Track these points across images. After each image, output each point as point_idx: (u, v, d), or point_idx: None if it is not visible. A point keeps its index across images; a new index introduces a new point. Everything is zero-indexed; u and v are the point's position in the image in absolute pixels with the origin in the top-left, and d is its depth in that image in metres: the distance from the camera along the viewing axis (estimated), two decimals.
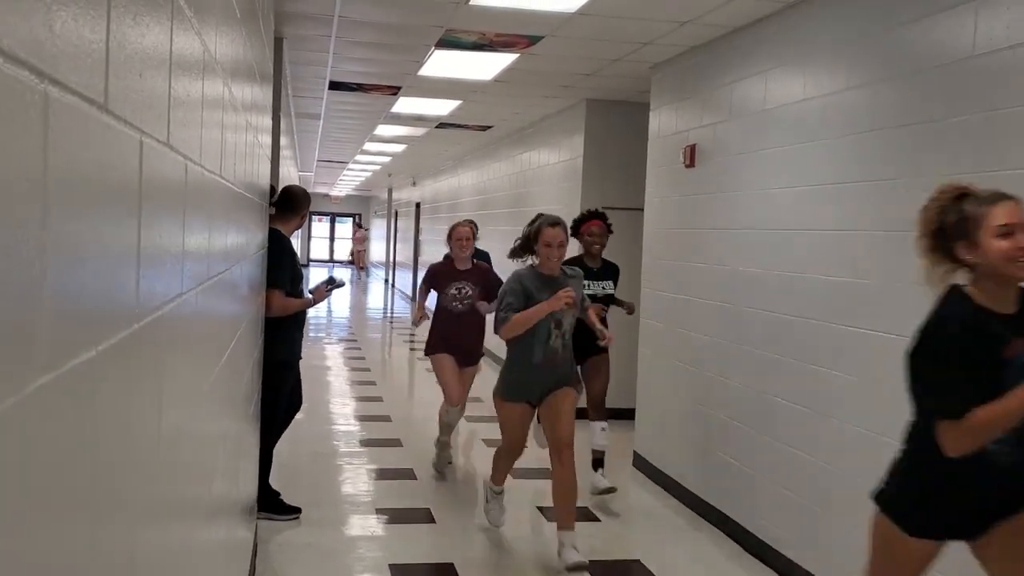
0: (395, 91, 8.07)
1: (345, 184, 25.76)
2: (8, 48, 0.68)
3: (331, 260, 36.58)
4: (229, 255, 2.64)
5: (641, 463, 6.36)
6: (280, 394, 5.00)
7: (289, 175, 11.36)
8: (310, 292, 5.26)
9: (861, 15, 4.01)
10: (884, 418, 3.73)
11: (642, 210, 6.69)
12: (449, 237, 6.33)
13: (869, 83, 3.92)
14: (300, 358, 5.25)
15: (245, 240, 3.29)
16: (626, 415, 7.36)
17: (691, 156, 5.61)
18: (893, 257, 3.70)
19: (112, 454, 1.11)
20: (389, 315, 18.05)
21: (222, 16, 2.19)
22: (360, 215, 34.85)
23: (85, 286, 0.95)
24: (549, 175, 8.97)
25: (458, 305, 6.15)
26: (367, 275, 29.77)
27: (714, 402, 5.26)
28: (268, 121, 4.84)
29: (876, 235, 3.83)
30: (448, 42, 5.94)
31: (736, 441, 4.98)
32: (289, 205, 5.11)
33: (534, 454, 6.61)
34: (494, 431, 7.35)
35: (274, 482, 5.08)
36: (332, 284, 5.34)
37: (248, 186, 3.34)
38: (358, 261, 30.98)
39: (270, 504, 4.95)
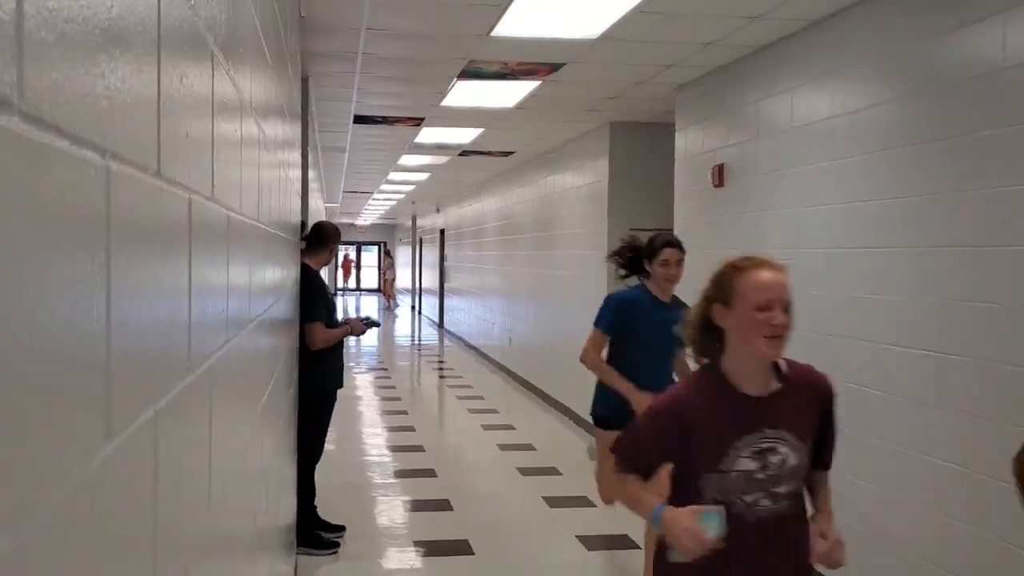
0: (418, 122, 8.14)
1: (370, 213, 25.94)
2: (75, 132, 0.70)
3: (358, 288, 36.76)
4: (267, 295, 2.67)
5: None
6: (320, 425, 5.08)
7: (317, 207, 11.48)
8: (345, 322, 5.31)
9: (887, 30, 4.00)
10: (916, 435, 3.69)
11: (670, 231, 6.67)
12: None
13: (897, 98, 3.90)
14: (342, 386, 5.30)
15: (280, 278, 3.33)
16: None
17: (719, 176, 5.60)
18: (925, 274, 3.67)
19: (169, 501, 1.13)
20: (417, 343, 18.09)
21: (255, 64, 2.23)
22: (385, 243, 35.02)
23: (144, 343, 0.97)
24: (574, 198, 8.99)
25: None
26: (395, 305, 29.01)
27: None
28: (297, 157, 4.91)
29: (907, 251, 3.79)
30: (470, 73, 5.99)
31: None
32: (319, 240, 5.18)
33: (573, 481, 6.58)
34: (526, 459, 7.33)
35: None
36: (370, 324, 5.45)
37: (281, 225, 3.38)
38: (386, 291, 30.07)
39: (309, 539, 4.98)
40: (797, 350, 4.65)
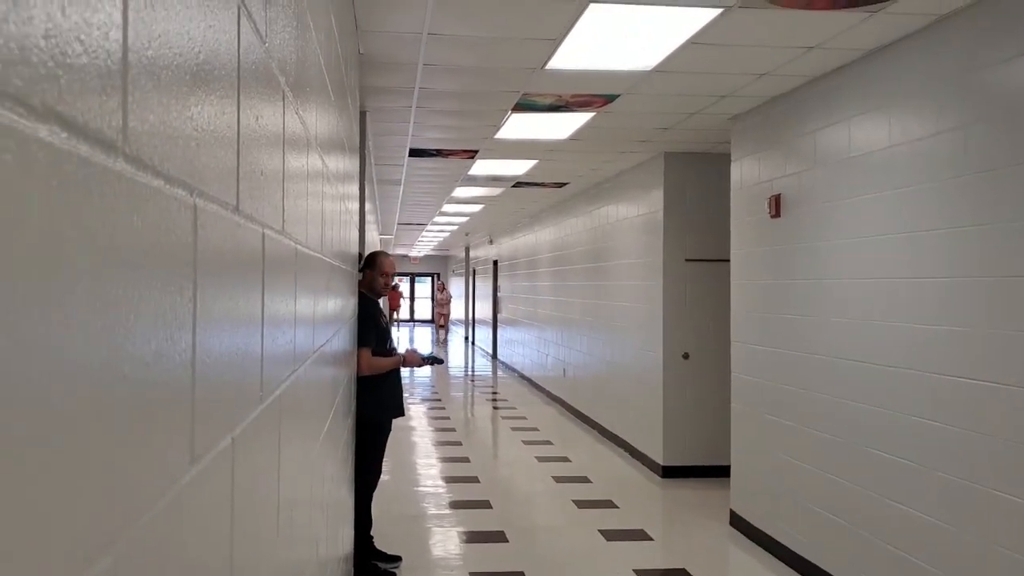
0: (472, 154, 8.23)
1: (424, 244, 26.18)
2: (168, 171, 0.74)
3: (411, 319, 37.03)
4: (329, 326, 2.72)
5: (738, 522, 6.21)
6: (375, 453, 5.12)
7: (372, 239, 11.64)
8: (402, 354, 5.34)
9: (946, 58, 3.96)
10: (992, 470, 3.59)
11: (726, 261, 6.64)
12: None
13: (961, 126, 3.85)
14: (402, 415, 5.33)
15: (341, 309, 3.39)
16: (721, 472, 7.23)
17: (776, 206, 5.57)
18: (993, 304, 3.59)
19: (244, 527, 1.16)
20: (471, 373, 18.13)
21: (319, 101, 2.29)
22: (439, 274, 35.28)
23: (223, 373, 1.01)
24: (628, 228, 8.99)
25: None
26: (446, 334, 28.83)
27: (811, 456, 5.14)
28: (356, 189, 5.00)
29: (973, 281, 3.73)
30: (524, 105, 6.05)
31: (837, 496, 4.84)
32: (367, 267, 5.29)
33: (630, 514, 6.52)
34: (582, 491, 7.29)
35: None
36: (432, 361, 5.46)
37: (341, 256, 3.44)
38: (439, 322, 29.46)
39: (366, 569, 5.00)
40: (859, 383, 4.59)
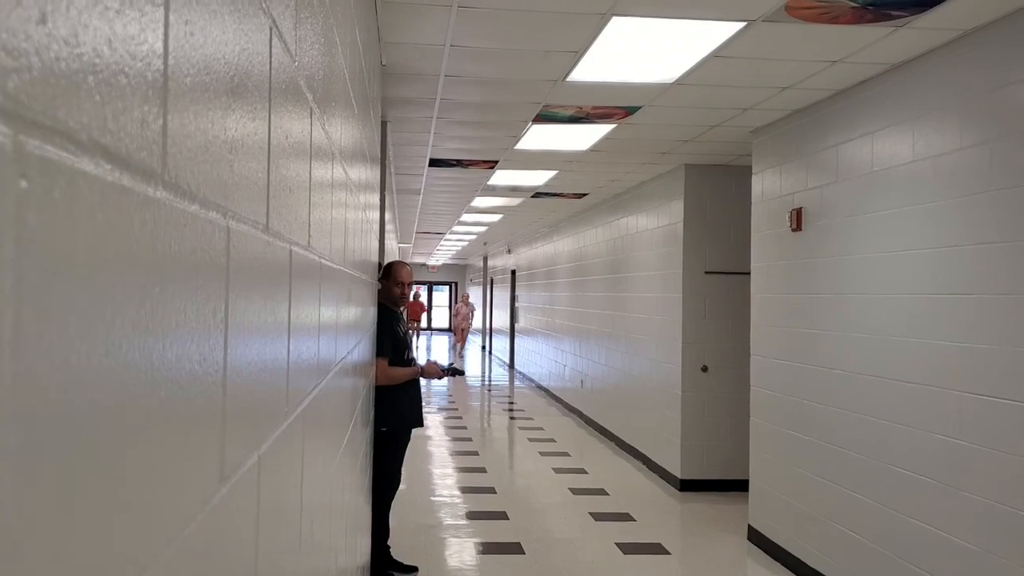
0: (492, 165, 8.25)
1: (442, 253, 26.24)
2: (204, 195, 0.75)
3: (429, 328, 37.09)
4: (351, 338, 2.73)
5: (756, 537, 6.17)
6: (393, 463, 5.12)
7: (391, 248, 11.68)
8: (421, 365, 5.34)
9: (971, 73, 3.94)
10: (1020, 491, 3.55)
11: (746, 274, 6.61)
12: None
13: (984, 142, 3.83)
14: (421, 425, 5.32)
15: (361, 321, 3.40)
16: (739, 486, 7.20)
17: (797, 220, 5.55)
18: (1019, 321, 3.56)
19: (269, 541, 1.17)
20: (487, 383, 18.12)
21: (344, 115, 2.31)
22: (456, 283, 35.34)
23: (252, 389, 1.01)
24: (648, 240, 8.97)
25: None
26: (462, 347, 26.28)
27: (832, 472, 5.10)
28: (376, 199, 5.02)
29: (998, 298, 3.70)
30: (545, 116, 6.06)
31: (858, 514, 4.80)
32: (386, 277, 5.30)
33: (647, 527, 6.49)
34: (599, 504, 7.27)
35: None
36: (452, 372, 5.45)
37: (361, 266, 3.46)
38: (458, 334, 27.06)
39: None
40: (881, 400, 4.56)
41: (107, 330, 0.52)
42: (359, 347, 3.25)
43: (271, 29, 1.09)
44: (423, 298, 34.94)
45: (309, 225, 1.52)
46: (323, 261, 1.77)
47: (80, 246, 0.48)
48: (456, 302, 29.32)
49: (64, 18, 0.45)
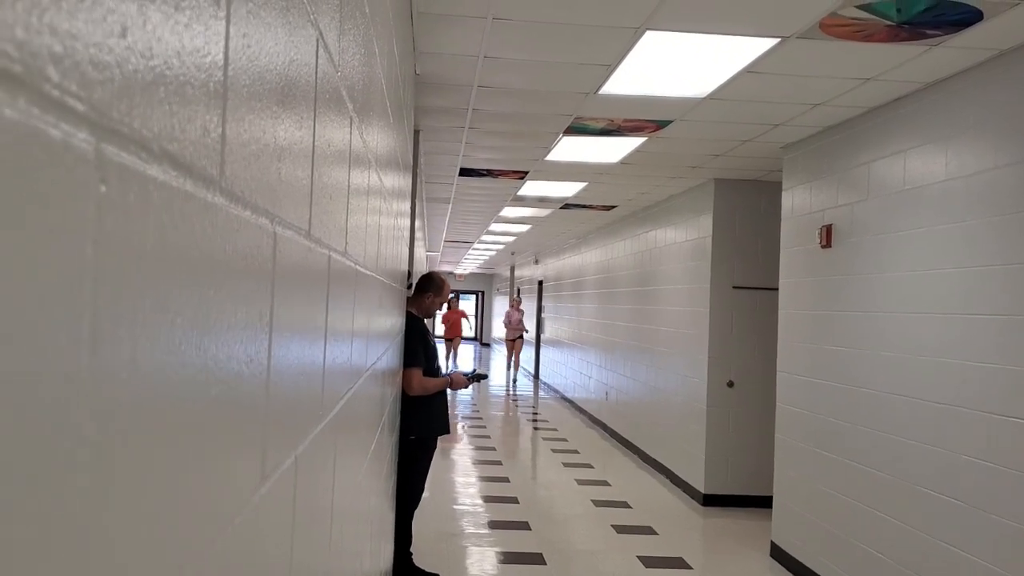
0: (522, 175, 8.28)
1: (470, 262, 26.31)
2: (256, 202, 0.78)
3: (477, 338, 37.13)
4: (381, 345, 2.76)
5: (779, 554, 6.13)
6: (419, 470, 5.14)
7: (419, 256, 11.75)
8: (449, 376, 5.35)
9: (1006, 93, 3.91)
10: None
11: (774, 289, 6.59)
12: None
13: (1018, 162, 3.80)
14: (448, 432, 5.34)
15: (390, 328, 3.43)
16: (762, 503, 7.15)
17: (827, 236, 5.52)
18: None
19: (302, 542, 1.19)
20: (512, 393, 18.13)
21: (380, 124, 2.34)
22: (483, 292, 35.40)
23: (291, 391, 1.04)
24: (676, 254, 8.96)
25: None
26: (516, 369, 20.15)
27: (857, 491, 5.06)
28: (407, 207, 5.07)
29: None
30: (577, 129, 6.08)
31: (883, 534, 4.76)
32: (423, 289, 5.31)
33: (669, 541, 6.46)
34: (621, 516, 7.25)
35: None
36: (476, 378, 5.47)
37: (392, 274, 3.49)
38: (512, 353, 20.03)
39: None
40: (907, 420, 4.52)
41: (169, 329, 0.55)
42: (387, 354, 3.28)
43: (318, 40, 1.12)
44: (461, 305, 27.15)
45: (346, 232, 1.55)
46: (358, 268, 1.80)
47: (148, 249, 0.51)
48: (507, 307, 21.07)
49: (141, 32, 0.48)
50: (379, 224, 2.45)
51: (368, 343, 2.25)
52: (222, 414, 0.69)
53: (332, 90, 1.28)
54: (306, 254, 1.09)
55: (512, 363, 19.91)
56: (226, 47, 0.66)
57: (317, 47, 1.12)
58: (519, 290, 19.35)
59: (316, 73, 1.12)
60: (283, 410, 0.98)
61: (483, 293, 35.58)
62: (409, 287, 5.30)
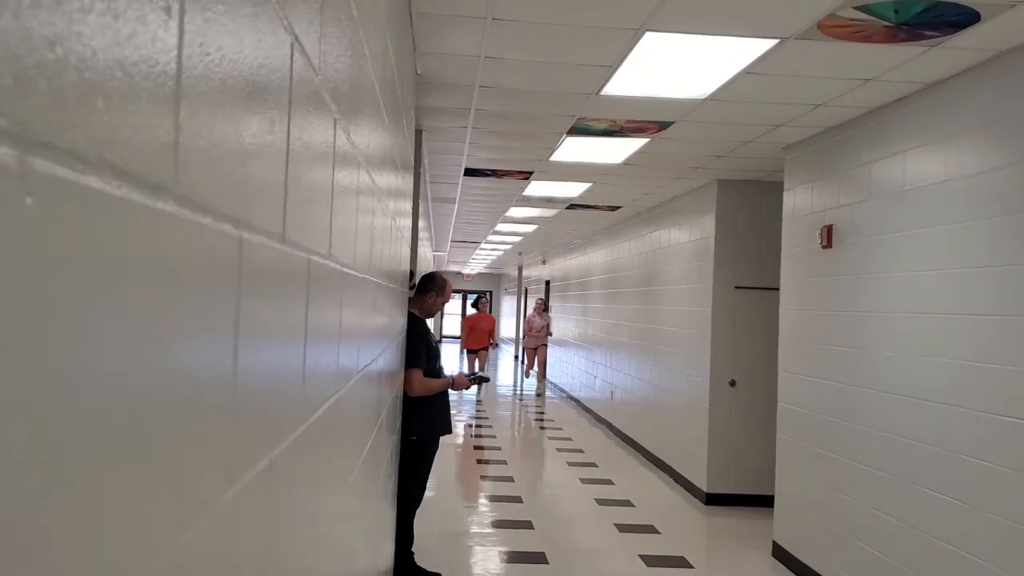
0: (527, 176, 8.29)
1: (477, 263, 26.34)
2: (217, 208, 0.78)
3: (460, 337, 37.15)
4: (375, 346, 2.77)
5: (780, 553, 6.12)
6: (421, 470, 5.15)
7: (425, 256, 11.76)
8: (451, 377, 5.36)
9: (1006, 94, 3.90)
10: None
11: (776, 289, 6.58)
12: None
13: (1017, 163, 3.79)
14: (449, 432, 5.35)
15: (388, 329, 3.44)
16: (765, 502, 7.15)
17: (828, 237, 5.52)
18: None
19: (280, 544, 1.20)
20: (518, 393, 18.13)
21: (372, 125, 2.35)
22: (491, 292, 35.42)
23: (263, 395, 1.05)
24: (680, 254, 8.96)
25: None
26: (544, 383, 17.30)
27: (858, 491, 5.06)
28: (408, 207, 5.07)
29: None
30: (579, 129, 6.09)
31: (883, 533, 4.75)
32: (424, 289, 5.32)
33: (672, 540, 6.46)
34: (624, 515, 7.25)
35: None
36: (478, 380, 5.49)
37: (390, 275, 3.50)
38: (535, 364, 17.37)
39: None
40: (908, 419, 4.52)
41: (113, 337, 0.55)
42: (384, 355, 3.29)
43: (292, 45, 1.12)
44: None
45: (331, 234, 1.55)
46: (345, 270, 1.81)
47: (87, 259, 0.51)
48: (530, 310, 18.56)
49: (76, 43, 0.48)
50: (372, 225, 2.46)
51: (360, 345, 2.26)
52: (178, 419, 0.70)
53: (311, 93, 1.29)
54: (280, 258, 1.10)
55: (530, 372, 17.70)
56: (179, 56, 0.66)
57: (292, 51, 1.12)
58: (546, 290, 17.21)
59: (291, 77, 1.12)
60: (253, 413, 0.98)
61: (491, 293, 35.60)
62: (412, 287, 5.31)
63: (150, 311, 0.62)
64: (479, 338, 16.23)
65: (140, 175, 0.59)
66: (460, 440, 11.01)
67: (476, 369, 15.88)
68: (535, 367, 17.31)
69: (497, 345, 19.98)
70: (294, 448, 1.27)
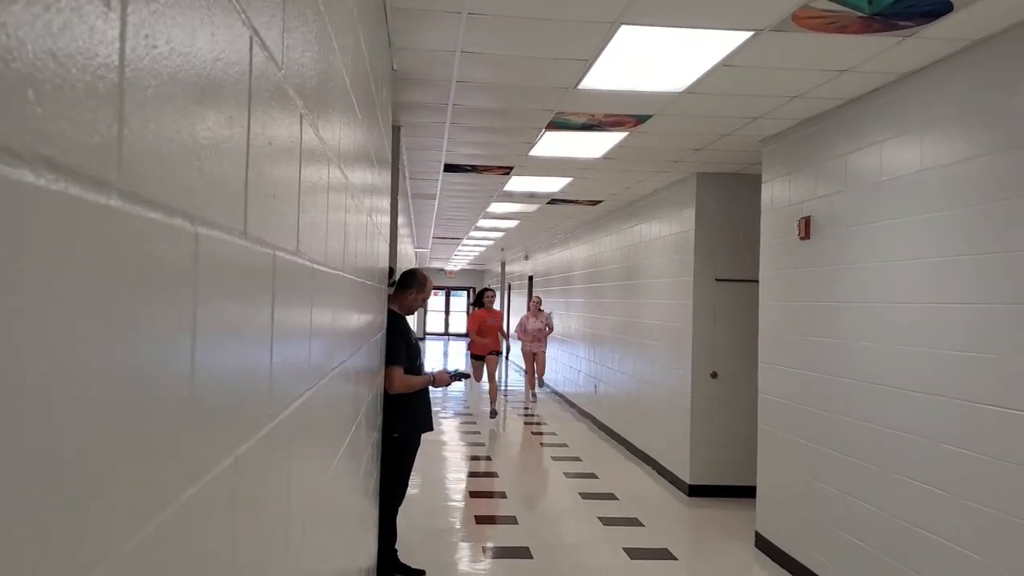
0: (507, 171, 8.27)
1: (459, 259, 26.31)
2: (168, 203, 0.77)
3: (446, 333, 37.14)
4: (351, 343, 2.75)
5: (763, 544, 6.15)
6: (403, 467, 5.14)
7: (406, 253, 11.71)
8: (432, 374, 5.34)
9: (979, 83, 3.93)
10: (1018, 500, 3.53)
11: (755, 281, 6.61)
12: None
13: (991, 152, 3.81)
14: (431, 429, 5.35)
15: (365, 326, 3.42)
16: (747, 493, 7.18)
17: (806, 228, 5.54)
18: (1022, 331, 3.55)
19: (248, 543, 1.19)
20: (503, 388, 18.13)
21: (344, 120, 2.34)
22: (473, 288, 35.39)
23: (226, 393, 1.04)
24: (661, 247, 8.98)
25: None
26: (537, 390, 15.59)
27: (839, 480, 5.08)
28: (386, 203, 5.05)
29: (1004, 308, 3.68)
30: (558, 124, 6.08)
31: (865, 523, 4.78)
32: (404, 285, 5.30)
33: (655, 532, 6.48)
34: (608, 508, 7.27)
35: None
36: (459, 376, 5.48)
37: (367, 272, 3.48)
38: (529, 367, 14.87)
39: None
40: (887, 408, 4.54)
41: (50, 335, 0.54)
42: (362, 352, 3.28)
43: (251, 39, 1.11)
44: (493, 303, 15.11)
45: (298, 230, 1.54)
46: (316, 266, 1.80)
47: (20, 256, 0.50)
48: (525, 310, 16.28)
49: (0, 33, 0.47)
50: (346, 221, 2.45)
51: (334, 341, 2.24)
52: (133, 417, 0.69)
53: (274, 88, 1.28)
54: (242, 254, 1.09)
55: (532, 388, 15.05)
56: (121, 48, 0.65)
57: (251, 45, 1.11)
58: (528, 286, 15.00)
59: (251, 71, 1.11)
60: (214, 410, 0.97)
61: (474, 289, 35.56)
62: (391, 284, 5.29)
63: (95, 308, 0.61)
64: (488, 343, 13.26)
65: (80, 169, 0.58)
66: (445, 436, 10.99)
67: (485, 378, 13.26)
68: (536, 381, 14.75)
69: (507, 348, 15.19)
70: (262, 446, 1.26)
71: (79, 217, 0.59)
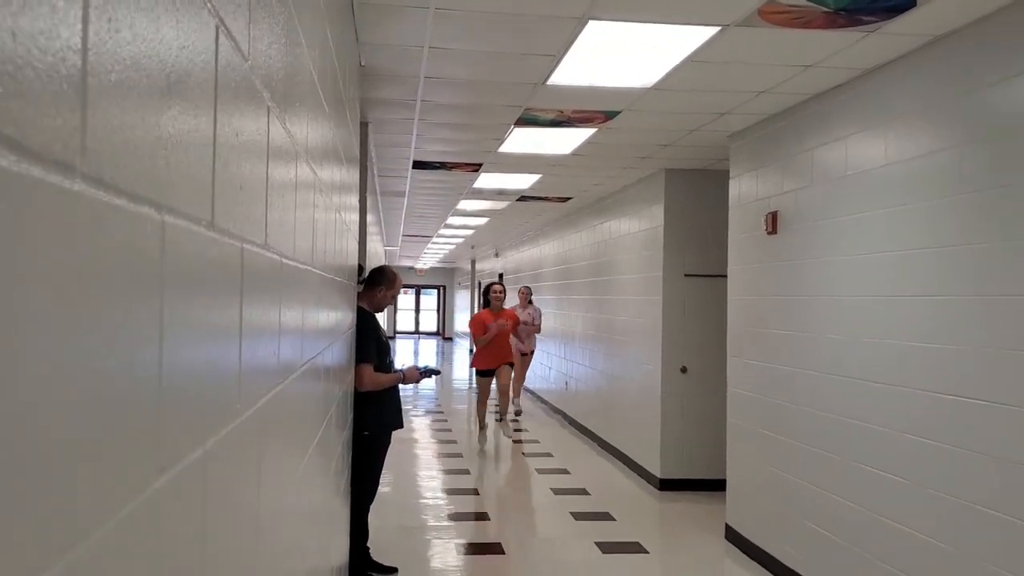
0: (476, 168, 8.27)
1: (429, 257, 26.25)
2: (133, 190, 0.77)
3: (416, 332, 37.05)
4: (320, 339, 2.74)
5: (733, 536, 6.21)
6: (374, 466, 5.12)
7: (376, 251, 11.67)
8: (402, 371, 5.32)
9: (942, 78, 3.98)
10: (988, 489, 3.59)
11: (724, 276, 6.66)
12: None
13: (954, 146, 3.87)
14: (401, 427, 5.33)
15: (335, 323, 3.41)
16: (718, 486, 7.23)
17: (773, 223, 5.59)
18: (984, 323, 3.60)
19: (217, 537, 1.18)
20: (474, 386, 18.10)
21: (311, 115, 2.32)
22: (444, 287, 35.33)
23: (194, 387, 1.03)
24: (630, 244, 9.02)
25: None
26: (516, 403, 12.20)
27: (805, 472, 5.14)
28: (355, 201, 5.03)
29: (966, 300, 3.74)
30: (527, 120, 6.08)
31: (832, 513, 4.84)
32: (374, 283, 5.27)
33: (626, 527, 6.51)
34: (580, 504, 7.29)
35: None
36: (429, 373, 5.44)
37: (337, 269, 3.46)
38: (518, 372, 12.20)
39: None
40: (852, 400, 4.59)
41: (19, 322, 0.54)
42: (332, 349, 3.26)
43: (218, 28, 1.10)
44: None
45: (266, 224, 1.53)
46: (284, 260, 1.78)
47: None
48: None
49: None
50: (314, 217, 2.43)
51: (303, 338, 2.23)
52: (102, 409, 0.68)
53: (241, 79, 1.27)
54: (209, 245, 1.08)
55: (510, 393, 10.92)
56: (84, 32, 0.64)
57: (217, 34, 1.10)
58: (527, 288, 12.78)
59: (217, 61, 1.10)
60: (182, 403, 0.96)
61: (444, 288, 35.51)
62: (361, 282, 5.27)
63: (59, 295, 0.61)
64: (498, 352, 10.10)
65: (42, 152, 0.58)
66: (416, 435, 10.96)
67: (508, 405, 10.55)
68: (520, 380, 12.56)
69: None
70: (232, 438, 1.25)
71: (42, 201, 0.58)
